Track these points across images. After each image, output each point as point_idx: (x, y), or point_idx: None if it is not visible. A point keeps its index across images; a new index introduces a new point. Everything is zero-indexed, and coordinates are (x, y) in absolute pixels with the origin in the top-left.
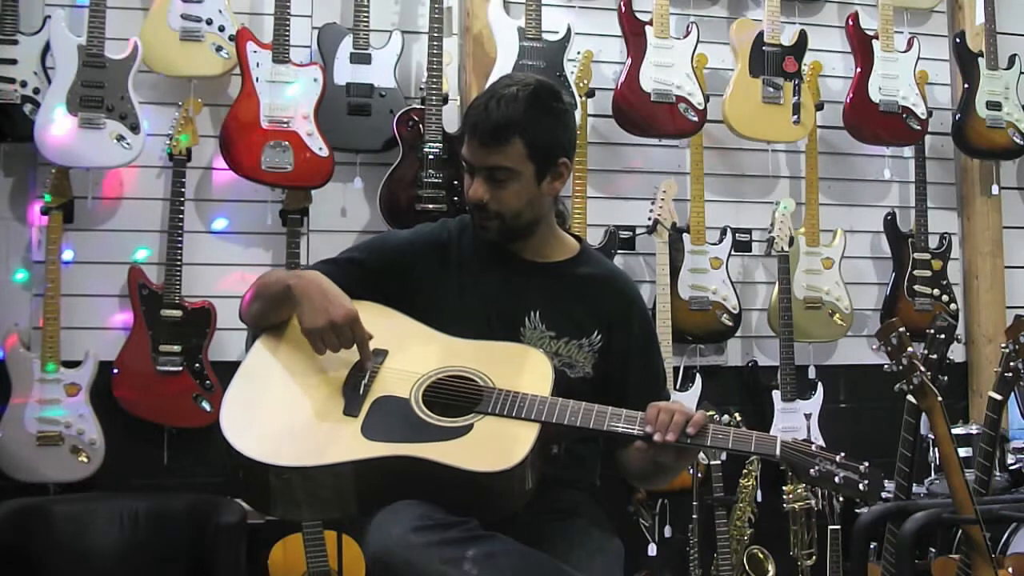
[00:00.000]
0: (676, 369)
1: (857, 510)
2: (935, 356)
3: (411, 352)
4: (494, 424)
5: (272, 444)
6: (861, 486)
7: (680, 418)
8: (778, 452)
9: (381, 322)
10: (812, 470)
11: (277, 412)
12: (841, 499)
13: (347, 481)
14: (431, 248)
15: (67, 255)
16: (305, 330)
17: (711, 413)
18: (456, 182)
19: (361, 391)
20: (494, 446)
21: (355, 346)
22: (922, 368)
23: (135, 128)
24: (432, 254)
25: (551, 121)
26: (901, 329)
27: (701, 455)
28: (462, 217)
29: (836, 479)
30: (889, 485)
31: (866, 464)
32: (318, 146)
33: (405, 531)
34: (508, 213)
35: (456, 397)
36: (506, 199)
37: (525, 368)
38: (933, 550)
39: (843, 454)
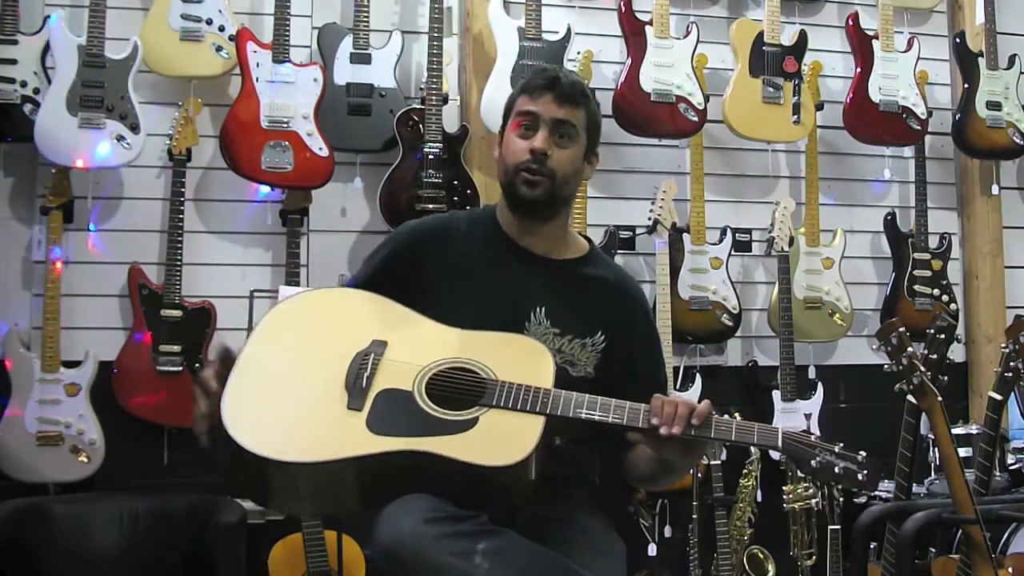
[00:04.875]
0: (676, 369)
1: (856, 499)
2: (935, 356)
3: (411, 343)
4: (499, 417)
5: (277, 439)
6: (860, 476)
7: (684, 410)
8: (780, 443)
9: (380, 313)
10: (813, 461)
11: (280, 406)
12: (841, 498)
13: (352, 476)
14: (436, 236)
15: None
16: None
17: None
18: (456, 182)
19: (364, 384)
20: (500, 440)
21: (349, 339)
22: (922, 368)
23: (135, 128)
24: (437, 243)
25: (598, 111)
26: (901, 329)
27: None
28: (473, 209)
29: (836, 469)
30: (889, 485)
31: (863, 454)
32: (318, 146)
33: (417, 523)
34: (560, 175)
35: (459, 390)
36: (563, 159)
37: (527, 360)
38: (933, 550)
39: (841, 444)
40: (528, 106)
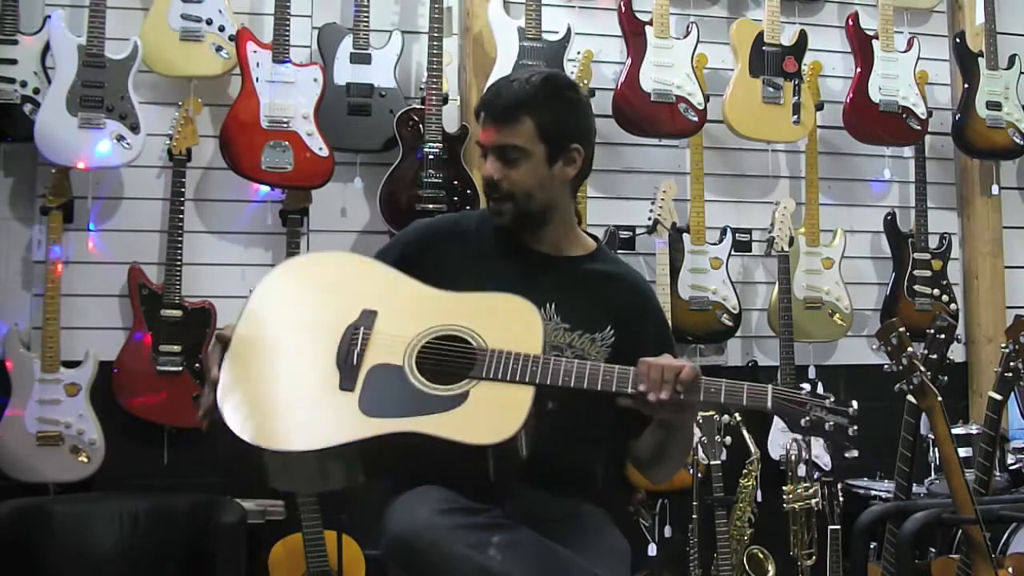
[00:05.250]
0: None
1: (847, 454)
2: (935, 356)
3: (401, 310)
4: (489, 390)
5: (271, 426)
6: (851, 431)
7: (669, 375)
8: (770, 404)
9: (366, 279)
10: (803, 420)
11: (274, 390)
12: (841, 497)
13: (348, 459)
14: (446, 235)
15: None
16: None
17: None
18: (456, 182)
19: (355, 361)
20: (491, 415)
21: (338, 310)
22: (922, 368)
23: (135, 128)
24: (447, 241)
25: (561, 105)
26: (901, 329)
27: (701, 454)
28: (484, 209)
29: (827, 426)
30: (889, 485)
31: (854, 406)
32: (318, 146)
33: (431, 513)
34: (520, 193)
35: (449, 360)
36: (517, 178)
37: (515, 322)
38: (933, 550)
39: (832, 398)
40: (478, 134)
